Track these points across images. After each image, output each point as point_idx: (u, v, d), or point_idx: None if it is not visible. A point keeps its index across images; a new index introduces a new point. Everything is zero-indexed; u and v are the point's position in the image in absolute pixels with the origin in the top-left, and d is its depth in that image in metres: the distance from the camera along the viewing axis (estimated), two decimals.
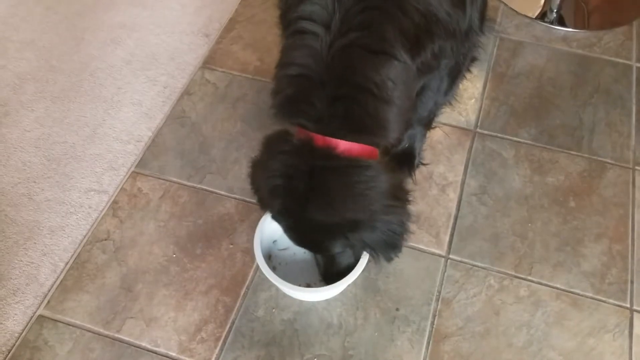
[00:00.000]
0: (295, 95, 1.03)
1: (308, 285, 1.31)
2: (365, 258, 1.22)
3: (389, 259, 1.16)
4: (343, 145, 1.03)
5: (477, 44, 1.30)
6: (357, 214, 1.05)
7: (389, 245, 1.13)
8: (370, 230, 1.07)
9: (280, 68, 1.05)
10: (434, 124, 1.49)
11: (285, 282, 1.20)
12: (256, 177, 1.14)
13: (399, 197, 1.12)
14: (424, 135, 1.49)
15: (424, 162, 1.52)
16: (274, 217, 1.13)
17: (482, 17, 1.23)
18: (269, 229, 1.28)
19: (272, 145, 1.09)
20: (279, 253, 1.36)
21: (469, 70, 1.40)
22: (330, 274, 1.24)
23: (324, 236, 1.10)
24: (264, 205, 1.16)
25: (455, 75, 1.34)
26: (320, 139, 1.03)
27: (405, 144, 1.47)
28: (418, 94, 1.39)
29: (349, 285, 1.32)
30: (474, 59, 1.38)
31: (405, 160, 1.48)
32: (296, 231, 1.12)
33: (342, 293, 1.32)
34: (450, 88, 1.36)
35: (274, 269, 1.30)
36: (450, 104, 1.47)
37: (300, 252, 1.35)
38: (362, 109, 1.02)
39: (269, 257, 1.34)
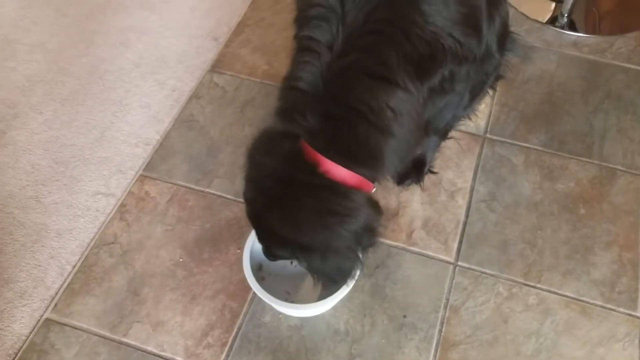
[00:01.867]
0: (292, 106, 1.05)
1: (287, 294, 1.30)
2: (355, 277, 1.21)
3: (328, 287, 1.19)
4: (328, 166, 1.02)
5: (499, 66, 1.28)
6: (314, 243, 1.06)
7: (331, 279, 1.16)
8: (320, 260, 1.08)
9: (285, 80, 1.07)
10: (450, 135, 1.47)
11: (268, 295, 1.20)
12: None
13: (364, 242, 1.11)
14: (438, 145, 1.47)
15: (434, 170, 1.50)
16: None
17: (502, 42, 1.20)
18: None
19: (268, 141, 1.10)
20: (270, 263, 1.34)
21: (492, 88, 1.38)
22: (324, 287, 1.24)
23: (275, 244, 1.12)
24: None
25: (477, 92, 1.31)
26: (310, 152, 1.03)
27: (417, 151, 1.46)
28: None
29: (355, 292, 1.32)
30: (499, 77, 1.35)
31: (415, 167, 1.47)
32: (256, 228, 1.14)
33: (348, 300, 1.31)
34: (470, 104, 1.33)
35: (262, 279, 1.30)
36: (469, 117, 1.45)
37: (290, 264, 1.35)
38: (351, 132, 1.01)
39: (259, 268, 1.33)
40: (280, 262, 1.33)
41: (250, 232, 1.27)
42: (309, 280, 1.30)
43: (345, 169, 1.04)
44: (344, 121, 1.01)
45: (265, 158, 1.07)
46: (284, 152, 1.04)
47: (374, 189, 1.15)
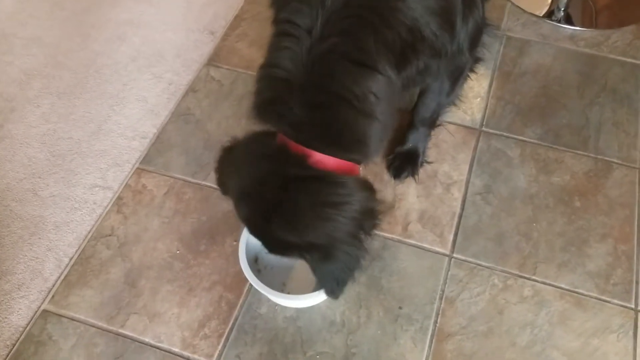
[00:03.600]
0: (274, 98, 1.02)
1: (284, 285, 1.30)
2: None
3: (331, 293, 1.14)
4: (318, 157, 1.01)
5: (466, 65, 1.29)
6: (318, 239, 1.02)
7: (337, 279, 1.10)
8: (325, 257, 1.04)
9: (262, 69, 1.04)
10: (438, 123, 1.48)
11: (264, 285, 1.20)
12: (223, 166, 1.14)
13: (366, 226, 1.07)
14: (428, 135, 1.48)
15: (429, 160, 1.51)
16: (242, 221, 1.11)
17: (474, 43, 1.20)
18: None
19: (252, 146, 1.07)
20: (265, 255, 1.34)
21: (473, 71, 1.39)
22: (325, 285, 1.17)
23: (282, 250, 1.08)
24: (225, 192, 1.17)
25: (457, 77, 1.32)
26: (295, 147, 1.00)
27: (409, 144, 1.47)
28: (420, 96, 1.39)
29: (351, 284, 1.32)
30: (477, 60, 1.35)
31: (409, 159, 1.48)
32: (261, 240, 1.09)
33: (345, 291, 1.31)
34: (452, 90, 1.35)
35: (258, 271, 1.30)
36: (455, 104, 1.46)
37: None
38: (340, 120, 1.00)
39: (255, 260, 1.33)
40: (272, 257, 1.33)
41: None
42: (304, 271, 1.30)
43: (334, 158, 1.03)
44: (330, 109, 0.99)
45: (251, 166, 1.04)
46: (269, 154, 1.02)
47: (360, 169, 1.14)
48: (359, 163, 1.10)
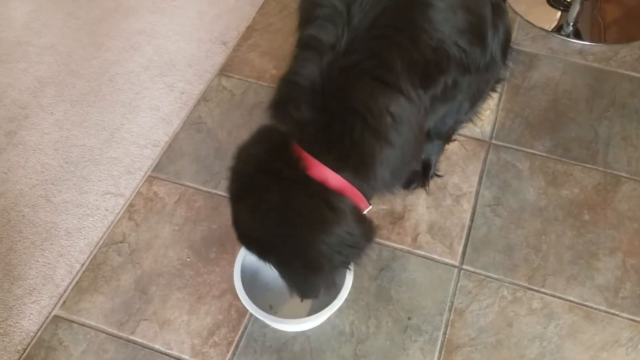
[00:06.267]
0: (286, 98, 1.02)
1: (270, 307, 1.30)
2: (345, 291, 1.21)
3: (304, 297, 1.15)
4: (311, 163, 0.97)
5: (499, 74, 1.27)
6: (274, 242, 1.00)
7: (300, 290, 1.10)
8: (280, 263, 1.03)
9: (283, 75, 1.05)
10: (453, 138, 1.49)
11: (257, 308, 1.19)
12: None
13: (334, 258, 1.01)
14: (442, 148, 1.49)
15: (439, 173, 1.52)
16: None
17: (505, 50, 1.19)
18: None
19: (258, 135, 1.06)
20: (262, 273, 1.32)
21: (494, 90, 1.39)
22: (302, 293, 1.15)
23: (243, 238, 1.06)
24: None
25: (477, 99, 1.31)
26: (295, 148, 0.98)
27: (422, 155, 1.48)
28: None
29: (360, 294, 1.33)
30: (498, 80, 1.35)
31: (418, 171, 1.49)
32: (233, 222, 1.07)
33: (353, 301, 1.32)
34: (471, 108, 1.33)
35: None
36: (472, 121, 1.46)
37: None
38: (344, 131, 0.96)
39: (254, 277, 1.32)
40: (272, 273, 1.24)
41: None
42: (295, 298, 1.29)
43: (331, 170, 0.98)
44: (339, 119, 0.96)
45: (250, 149, 1.03)
46: (269, 144, 1.01)
47: (369, 207, 1.08)
48: (361, 191, 1.02)
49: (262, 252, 1.03)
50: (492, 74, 1.19)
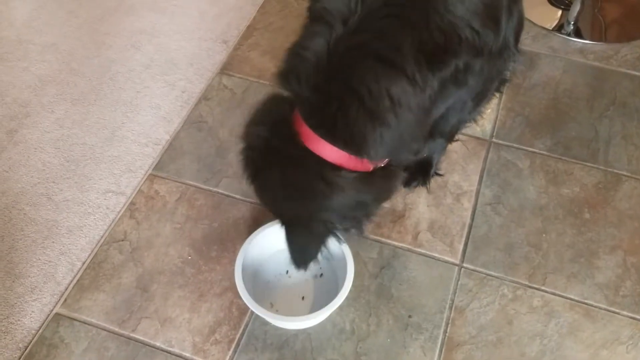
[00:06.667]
0: (291, 70, 1.03)
1: (271, 305, 1.31)
2: (346, 291, 1.23)
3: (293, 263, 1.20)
4: (307, 135, 1.01)
5: (510, 64, 1.26)
6: (280, 209, 1.11)
7: (297, 252, 1.16)
8: (287, 227, 1.12)
9: (292, 46, 1.05)
10: (456, 137, 1.49)
11: (258, 305, 1.21)
12: None
13: (318, 226, 1.10)
14: (444, 148, 1.49)
15: (440, 172, 1.52)
16: None
17: (518, 37, 1.19)
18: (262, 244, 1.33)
19: (265, 103, 1.12)
20: (263, 272, 1.35)
21: (499, 91, 1.39)
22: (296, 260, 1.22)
23: (264, 204, 1.16)
24: None
25: (480, 98, 1.30)
26: (297, 122, 1.03)
27: (424, 153, 1.48)
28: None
29: (361, 292, 1.33)
30: (504, 81, 1.35)
31: (421, 169, 1.49)
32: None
33: (354, 299, 1.32)
34: (474, 107, 1.33)
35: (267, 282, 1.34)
36: (475, 121, 1.46)
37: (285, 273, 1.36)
38: (340, 111, 0.99)
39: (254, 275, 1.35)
40: (274, 271, 1.36)
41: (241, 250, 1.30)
42: (294, 295, 1.32)
43: (327, 143, 1.01)
44: (338, 97, 0.98)
45: (255, 127, 1.09)
46: (271, 119, 1.07)
47: (384, 160, 1.12)
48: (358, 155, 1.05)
49: (278, 218, 1.15)
50: (504, 60, 1.17)
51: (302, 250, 1.16)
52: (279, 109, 1.06)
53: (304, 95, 1.01)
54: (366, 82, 0.96)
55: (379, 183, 1.11)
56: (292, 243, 1.14)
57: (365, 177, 1.07)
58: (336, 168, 1.03)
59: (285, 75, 1.04)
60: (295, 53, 1.03)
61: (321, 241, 1.14)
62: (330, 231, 1.12)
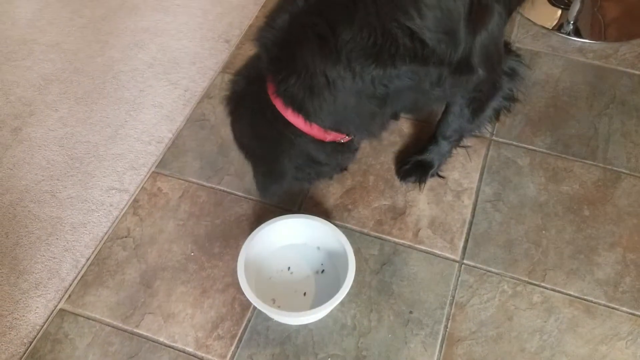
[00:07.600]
0: (262, 38, 1.13)
1: (274, 301, 1.32)
2: (347, 287, 1.24)
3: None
4: (273, 95, 1.12)
5: (495, 87, 1.30)
6: (253, 154, 1.26)
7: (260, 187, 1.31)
8: (255, 170, 1.29)
9: (267, 14, 1.14)
10: (461, 144, 1.50)
11: (260, 301, 1.23)
12: None
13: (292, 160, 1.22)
14: (448, 151, 1.50)
15: (441, 174, 1.53)
16: None
17: (489, 59, 1.16)
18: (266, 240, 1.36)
19: (247, 64, 1.25)
20: (266, 269, 1.37)
21: (507, 110, 1.43)
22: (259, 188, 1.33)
23: (235, 140, 1.31)
24: None
25: (477, 108, 1.33)
26: (269, 80, 1.13)
27: (426, 154, 1.49)
28: (443, 112, 1.41)
29: (363, 288, 1.34)
30: (513, 100, 1.39)
31: (420, 167, 1.50)
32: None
33: (356, 295, 1.33)
34: (473, 118, 1.36)
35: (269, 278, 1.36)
36: (479, 132, 1.47)
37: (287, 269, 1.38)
38: (287, 82, 1.09)
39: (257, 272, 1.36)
40: (276, 267, 1.37)
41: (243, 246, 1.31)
42: (296, 290, 1.34)
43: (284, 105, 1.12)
44: (285, 68, 1.08)
45: (240, 77, 1.24)
46: (250, 73, 1.21)
47: (345, 138, 1.22)
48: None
49: (245, 155, 1.29)
50: (470, 79, 1.15)
51: (264, 182, 1.29)
52: (259, 65, 1.15)
53: (267, 62, 1.12)
54: (305, 60, 1.05)
55: (327, 150, 1.22)
56: (255, 173, 1.29)
57: (315, 142, 1.18)
58: (290, 125, 1.14)
59: (257, 43, 1.15)
60: (266, 24, 1.13)
61: (280, 177, 1.25)
62: (285, 173, 1.24)
